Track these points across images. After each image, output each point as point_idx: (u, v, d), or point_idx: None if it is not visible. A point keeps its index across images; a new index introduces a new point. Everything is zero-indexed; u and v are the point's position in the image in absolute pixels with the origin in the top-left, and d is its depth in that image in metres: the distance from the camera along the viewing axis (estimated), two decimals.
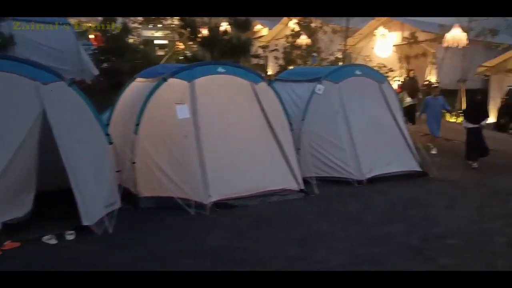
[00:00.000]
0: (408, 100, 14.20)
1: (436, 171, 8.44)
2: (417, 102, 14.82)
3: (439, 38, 19.15)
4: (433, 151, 10.64)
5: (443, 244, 5.08)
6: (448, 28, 18.11)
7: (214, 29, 11.74)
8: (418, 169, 8.47)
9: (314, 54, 19.87)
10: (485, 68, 19.62)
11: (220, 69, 6.80)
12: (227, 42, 11.31)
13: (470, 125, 9.76)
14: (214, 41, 11.18)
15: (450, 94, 19.36)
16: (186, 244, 5.09)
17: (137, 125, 6.34)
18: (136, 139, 6.35)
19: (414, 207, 6.63)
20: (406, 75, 17.20)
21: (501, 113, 16.21)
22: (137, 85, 7.21)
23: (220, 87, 6.75)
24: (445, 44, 18.01)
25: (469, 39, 18.12)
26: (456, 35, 17.34)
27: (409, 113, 14.30)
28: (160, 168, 6.31)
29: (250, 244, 5.11)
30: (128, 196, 6.23)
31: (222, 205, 6.23)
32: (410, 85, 15.29)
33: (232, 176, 6.40)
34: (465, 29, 18.07)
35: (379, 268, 4.42)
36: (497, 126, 16.27)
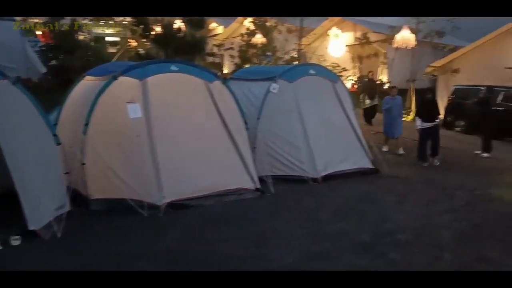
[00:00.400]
0: (367, 101, 14.14)
1: (388, 168, 8.68)
2: (377, 103, 14.74)
3: (389, 39, 19.76)
4: (400, 151, 10.73)
5: (393, 239, 5.22)
6: (397, 30, 18.69)
7: (167, 27, 11.56)
8: (370, 166, 8.68)
9: (269, 53, 19.98)
10: (433, 68, 20.39)
11: (173, 67, 6.68)
12: (181, 40, 11.17)
13: (426, 125, 9.71)
14: (167, 39, 11.02)
15: (400, 94, 19.99)
16: (139, 246, 4.97)
17: (86, 125, 6.14)
18: (86, 140, 6.14)
19: (366, 204, 6.78)
20: (366, 77, 16.97)
21: (448, 112, 16.91)
22: (87, 83, 6.99)
23: (174, 85, 6.64)
24: (395, 45, 18.58)
25: (417, 40, 18.77)
26: (405, 36, 17.92)
27: (369, 114, 14.02)
28: (111, 169, 6.14)
29: (206, 244, 5.05)
30: (78, 198, 6.02)
31: (177, 206, 6.13)
32: (369, 87, 15.16)
33: (186, 176, 6.32)
34: (413, 31, 18.71)
35: (332, 264, 4.49)
36: (444, 124, 16.93)
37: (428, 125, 9.71)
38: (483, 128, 11.87)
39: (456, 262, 4.53)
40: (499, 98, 14.84)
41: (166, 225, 5.61)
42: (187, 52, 10.82)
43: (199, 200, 6.38)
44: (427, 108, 9.98)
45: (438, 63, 20.30)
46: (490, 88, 12.29)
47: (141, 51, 12.98)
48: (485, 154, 11.19)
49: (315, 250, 4.90)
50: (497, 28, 18.74)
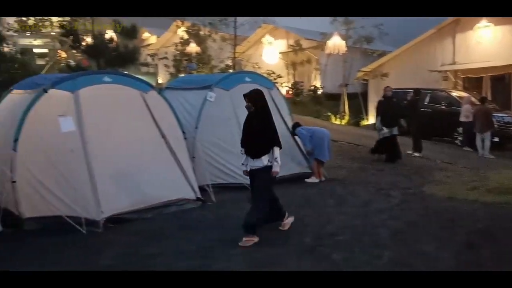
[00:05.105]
0: (383, 130, 10.62)
1: (326, 172, 8.89)
2: (397, 133, 10.80)
3: (321, 45, 20.38)
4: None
5: (334, 241, 5.33)
6: (329, 36, 19.34)
7: (98, 37, 11.24)
8: (309, 170, 8.85)
9: (189, 60, 19.79)
10: (364, 73, 21.25)
11: (106, 79, 6.51)
12: (113, 50, 10.89)
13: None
14: (99, 50, 10.69)
15: (333, 98, 20.68)
16: (77, 266, 4.74)
17: (16, 141, 5.83)
18: (15, 156, 5.83)
19: (307, 208, 6.88)
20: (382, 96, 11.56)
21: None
22: (14, 97, 6.66)
23: (108, 97, 6.47)
24: (327, 51, 19.20)
25: (347, 46, 19.48)
26: (336, 42, 18.58)
27: (383, 147, 10.80)
28: (45, 186, 5.86)
29: (146, 260, 4.89)
30: (9, 218, 5.69)
31: (116, 220, 5.95)
32: (387, 108, 10.77)
33: (125, 189, 6.15)
34: (343, 37, 19.43)
35: (278, 269, 4.52)
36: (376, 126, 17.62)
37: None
38: (412, 129, 12.47)
39: (395, 259, 4.70)
40: (426, 100, 15.69)
41: (105, 242, 5.41)
42: (120, 63, 10.58)
43: (139, 213, 6.23)
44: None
45: (368, 68, 21.21)
46: (417, 91, 12.92)
47: (72, 62, 12.51)
48: (417, 154, 11.77)
49: (258, 257, 4.89)
50: (420, 34, 19.90)
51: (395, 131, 10.64)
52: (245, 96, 5.52)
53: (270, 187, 5.45)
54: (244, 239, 5.27)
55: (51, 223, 5.76)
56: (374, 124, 11.81)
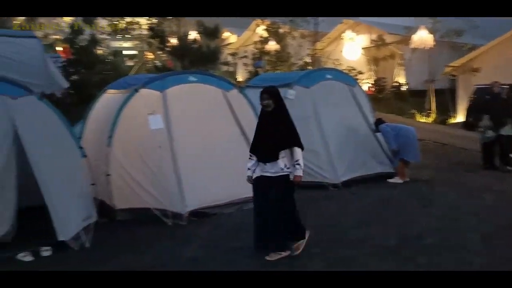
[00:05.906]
0: (489, 132, 9.41)
1: (409, 171, 8.57)
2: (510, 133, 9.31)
3: (405, 40, 19.57)
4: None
5: (420, 244, 5.14)
6: (414, 30, 18.54)
7: (183, 38, 11.75)
8: (391, 170, 8.58)
9: (260, 58, 19.84)
10: (452, 68, 20.06)
11: (191, 78, 6.79)
12: (196, 50, 11.34)
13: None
14: (183, 50, 11.19)
15: (418, 95, 19.84)
16: (166, 255, 5.03)
17: (110, 137, 6.28)
18: (110, 152, 6.29)
19: (389, 208, 6.69)
20: (485, 90, 10.92)
21: (469, 112, 16.59)
22: (109, 97, 7.14)
23: (192, 96, 6.73)
24: (412, 46, 18.40)
25: (435, 40, 18.53)
26: (423, 37, 17.75)
27: (490, 152, 9.50)
28: (135, 180, 6.25)
29: (226, 254, 5.03)
30: (104, 209, 6.15)
31: (199, 214, 6.20)
32: (493, 106, 9.52)
33: (207, 185, 6.36)
34: (430, 31, 18.53)
35: (358, 270, 4.45)
36: (465, 125, 16.67)
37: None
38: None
39: (486, 264, 4.45)
40: None
41: (188, 235, 5.67)
42: (203, 63, 11.00)
43: (219, 208, 6.44)
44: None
45: (457, 62, 19.94)
46: None
47: (158, 63, 13.19)
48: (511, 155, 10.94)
49: (339, 257, 4.85)
50: None
51: (506, 130, 9.21)
52: (264, 92, 4.89)
53: (293, 197, 4.81)
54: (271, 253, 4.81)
55: (140, 214, 6.16)
56: (464, 123, 10.77)
